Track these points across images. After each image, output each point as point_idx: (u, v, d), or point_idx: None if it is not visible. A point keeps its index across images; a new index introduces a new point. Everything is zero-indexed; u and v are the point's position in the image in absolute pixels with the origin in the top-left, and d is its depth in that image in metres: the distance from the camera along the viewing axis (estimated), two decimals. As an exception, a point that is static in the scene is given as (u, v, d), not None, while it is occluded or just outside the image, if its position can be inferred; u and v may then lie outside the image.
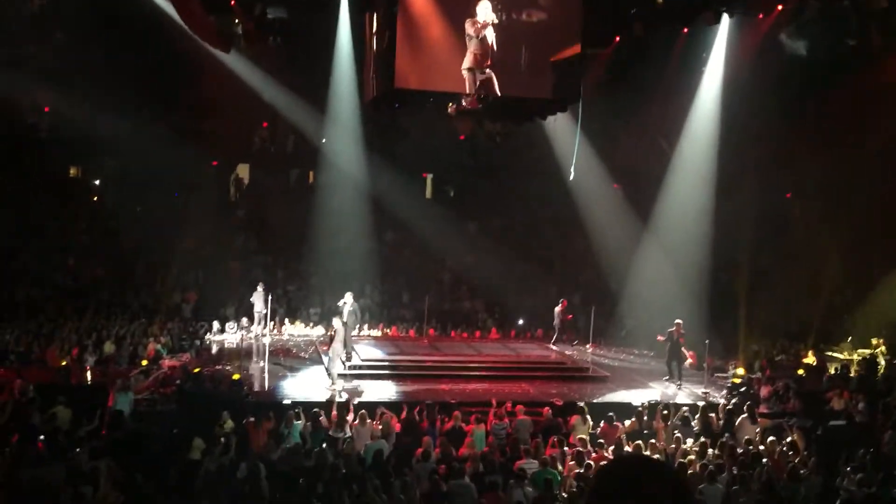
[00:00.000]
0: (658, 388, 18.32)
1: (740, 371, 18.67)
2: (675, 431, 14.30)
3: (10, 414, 13.31)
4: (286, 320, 23.06)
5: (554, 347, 21.91)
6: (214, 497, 10.91)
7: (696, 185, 25.62)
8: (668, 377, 18.59)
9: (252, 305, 21.57)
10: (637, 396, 17.28)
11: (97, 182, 28.06)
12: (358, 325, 20.31)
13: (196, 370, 16.52)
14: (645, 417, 14.90)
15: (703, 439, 13.83)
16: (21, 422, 13.01)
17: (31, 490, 8.90)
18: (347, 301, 18.44)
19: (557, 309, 22.46)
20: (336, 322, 17.45)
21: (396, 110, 19.38)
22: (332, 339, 17.22)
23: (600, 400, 16.95)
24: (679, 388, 18.11)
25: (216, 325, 21.97)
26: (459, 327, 24.05)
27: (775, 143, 24.61)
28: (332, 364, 17.03)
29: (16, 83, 23.36)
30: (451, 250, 27.20)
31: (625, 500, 1.79)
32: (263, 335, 20.49)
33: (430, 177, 30.38)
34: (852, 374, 19.30)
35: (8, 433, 12.44)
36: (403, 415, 14.39)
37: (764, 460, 12.79)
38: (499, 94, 16.38)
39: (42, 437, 12.33)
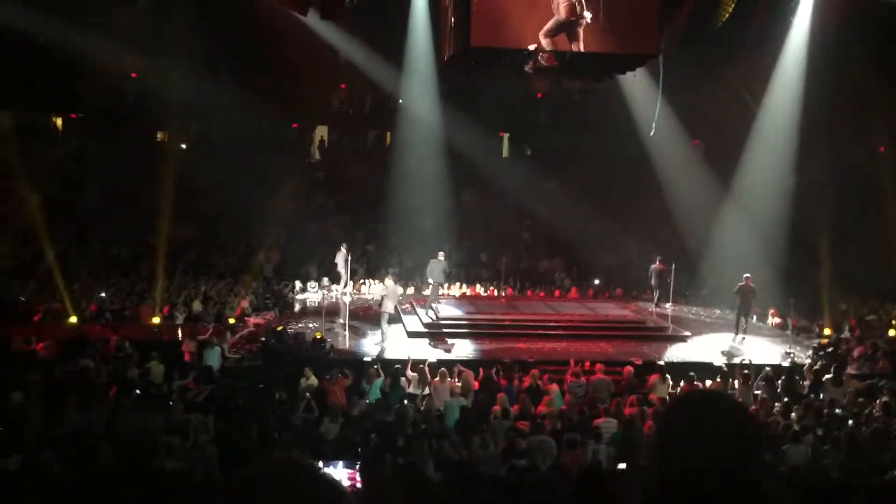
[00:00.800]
0: (732, 346, 18.07)
1: (827, 331, 18.15)
2: (758, 391, 14.07)
3: (108, 369, 13.95)
4: (366, 279, 23.40)
5: (658, 308, 21.55)
6: (300, 450, 11.27)
7: (781, 139, 24.81)
8: (735, 331, 18.51)
9: (335, 265, 21.98)
10: (718, 356, 17.05)
11: (183, 146, 28.79)
12: (447, 283, 20.52)
13: (279, 328, 16.99)
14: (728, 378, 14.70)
15: (786, 400, 13.56)
16: (118, 376, 13.66)
17: (131, 436, 9.37)
18: (440, 258, 18.90)
19: (654, 267, 22.02)
20: (388, 281, 17.78)
21: (473, 68, 19.24)
22: (383, 298, 17.34)
23: (680, 359, 16.78)
24: (742, 341, 18.09)
25: (298, 284, 22.48)
26: (537, 286, 24.01)
27: (867, 93, 23.52)
28: (383, 321, 17.25)
29: (103, 49, 24.07)
30: (529, 209, 27.11)
31: (690, 428, 1.81)
32: (344, 294, 20.88)
33: (506, 136, 30.17)
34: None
35: (106, 387, 13.09)
36: (481, 373, 14.55)
37: (850, 421, 12.48)
38: (577, 49, 16.11)
39: (138, 391, 12.94)
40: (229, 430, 10.82)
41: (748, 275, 18.88)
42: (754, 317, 19.34)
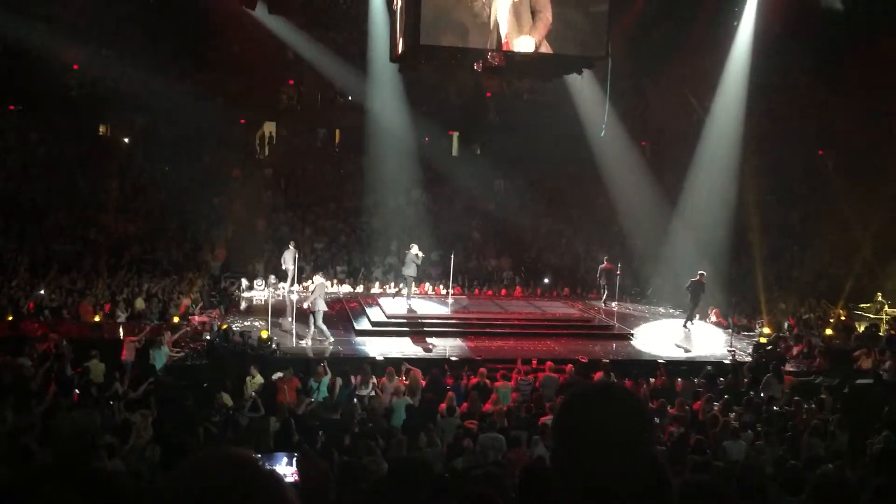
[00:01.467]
0: (682, 346, 18.39)
1: (766, 330, 18.58)
2: (699, 388, 14.34)
3: (46, 368, 13.61)
4: (313, 278, 23.19)
5: (605, 306, 21.82)
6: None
7: (726, 141, 25.32)
8: (686, 320, 19.46)
9: (282, 263, 21.76)
10: (662, 354, 17.35)
11: (126, 140, 28.25)
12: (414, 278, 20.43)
13: (223, 326, 16.78)
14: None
15: (727, 397, 13.85)
16: (56, 375, 13.34)
17: (67, 434, 9.16)
18: (413, 251, 19.19)
19: (602, 266, 22.29)
20: (317, 278, 17.66)
21: (422, 67, 19.23)
22: (314, 296, 17.02)
23: (625, 357, 17.02)
24: (688, 329, 19.06)
25: (244, 281, 22.23)
26: (485, 285, 24.11)
27: (807, 98, 24.13)
28: (318, 319, 16.92)
29: (45, 41, 23.48)
30: (478, 208, 27.23)
31: (579, 426, 1.84)
32: (291, 292, 20.71)
33: (456, 134, 30.24)
34: (881, 334, 19.15)
35: (44, 386, 12.79)
36: (430, 371, 14.55)
37: (786, 418, 12.80)
38: (526, 50, 16.23)
39: (77, 390, 12.67)
40: (172, 430, 10.65)
41: (702, 272, 19.66)
42: (696, 316, 19.87)
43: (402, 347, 16.98)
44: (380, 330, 18.12)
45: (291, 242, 21.49)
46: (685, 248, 24.33)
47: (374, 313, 19.32)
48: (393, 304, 20.45)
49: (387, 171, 27.52)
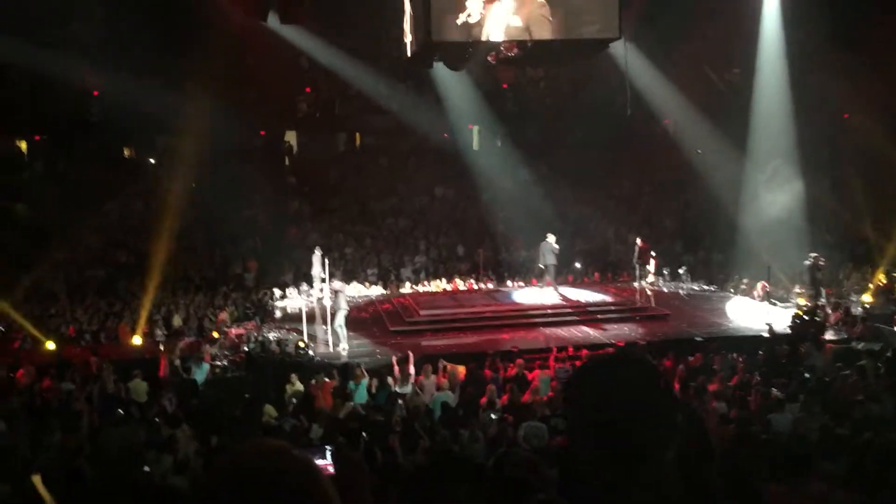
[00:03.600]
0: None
1: (801, 301, 18.36)
2: (739, 363, 14.22)
3: (89, 390, 13.84)
4: (332, 283, 23.25)
5: (642, 285, 21.52)
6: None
7: (751, 112, 25.13)
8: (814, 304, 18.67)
9: (310, 270, 21.83)
10: (698, 332, 17.23)
11: (151, 160, 28.60)
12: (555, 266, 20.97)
13: (259, 337, 16.93)
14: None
15: (766, 369, 13.72)
16: (100, 397, 13.56)
17: (114, 452, 9.32)
18: (549, 240, 20.19)
19: (638, 247, 21.86)
20: (337, 283, 17.64)
21: (436, 63, 19.27)
22: (337, 298, 17.08)
23: (662, 337, 16.92)
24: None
25: (277, 291, 22.40)
26: (516, 276, 24.06)
27: (833, 66, 23.72)
28: (336, 321, 16.95)
29: (65, 70, 23.85)
30: (504, 200, 27.19)
31: (597, 384, 1.84)
32: (321, 298, 20.83)
33: (476, 128, 30.21)
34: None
35: (89, 408, 13.00)
36: (467, 367, 14.58)
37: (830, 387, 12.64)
38: (538, 38, 16.19)
39: (120, 410, 12.86)
40: (217, 443, 10.78)
41: (816, 254, 19.53)
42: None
43: (437, 344, 17.02)
44: (414, 329, 18.16)
45: (317, 248, 21.48)
46: (715, 224, 24.15)
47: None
48: (541, 293, 20.89)
49: (409, 170, 27.62)
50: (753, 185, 24.18)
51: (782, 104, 23.99)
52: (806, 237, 22.16)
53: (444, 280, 23.69)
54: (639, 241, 21.64)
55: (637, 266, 21.58)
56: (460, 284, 23.36)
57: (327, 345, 17.19)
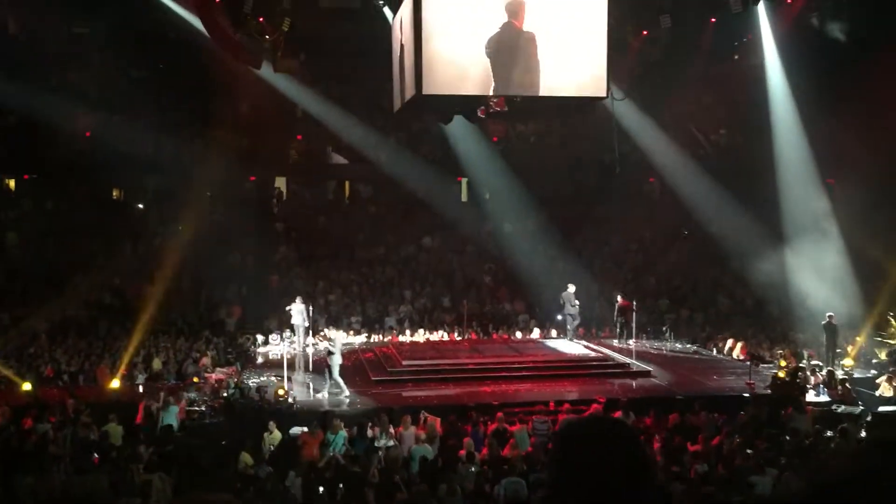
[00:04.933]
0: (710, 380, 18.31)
1: (783, 363, 18.42)
2: (720, 423, 14.20)
3: (65, 433, 13.66)
4: (326, 330, 23.16)
5: (621, 344, 21.65)
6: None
7: (736, 172, 25.48)
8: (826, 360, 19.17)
9: (289, 318, 21.52)
10: (680, 390, 17.22)
11: (140, 203, 28.64)
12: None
13: (239, 384, 16.78)
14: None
15: (747, 431, 13.71)
16: (76, 440, 13.38)
17: (76, 499, 9.19)
18: (570, 291, 21.58)
19: (618, 304, 22.06)
20: (333, 333, 17.55)
21: (427, 116, 19.54)
22: (329, 351, 17.06)
23: (643, 395, 16.89)
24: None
25: (260, 337, 22.27)
26: (500, 329, 24.04)
27: (813, 128, 24.17)
28: (334, 373, 16.86)
29: (57, 110, 24.01)
30: (490, 253, 27.31)
31: (580, 459, 1.87)
32: (305, 346, 20.71)
33: (464, 180, 30.48)
34: (903, 359, 18.96)
35: (64, 451, 12.82)
36: (448, 419, 14.49)
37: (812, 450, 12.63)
38: (527, 94, 16.47)
39: (96, 454, 12.69)
40: (191, 489, 10.63)
41: (831, 313, 19.57)
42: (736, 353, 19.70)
43: (418, 395, 16.92)
44: (395, 379, 18.06)
45: (298, 297, 21.23)
46: (700, 282, 24.31)
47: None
48: (567, 344, 21.59)
49: (397, 220, 27.76)
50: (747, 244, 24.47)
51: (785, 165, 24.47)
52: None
53: (427, 331, 23.59)
54: (619, 298, 21.88)
55: (618, 323, 21.77)
56: (444, 335, 23.26)
57: (315, 393, 17.02)
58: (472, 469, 12.03)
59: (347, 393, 16.73)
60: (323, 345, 17.96)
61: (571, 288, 21.74)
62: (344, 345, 22.14)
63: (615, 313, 22.19)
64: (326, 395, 16.64)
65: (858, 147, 23.30)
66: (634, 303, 21.39)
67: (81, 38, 25.90)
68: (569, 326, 22.25)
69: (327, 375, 16.84)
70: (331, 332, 17.70)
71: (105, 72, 25.38)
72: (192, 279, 24.88)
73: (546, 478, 1.95)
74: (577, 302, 21.87)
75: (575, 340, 21.93)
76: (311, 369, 18.30)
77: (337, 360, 16.81)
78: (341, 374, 16.90)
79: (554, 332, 23.25)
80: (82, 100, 25.34)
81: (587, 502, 1.83)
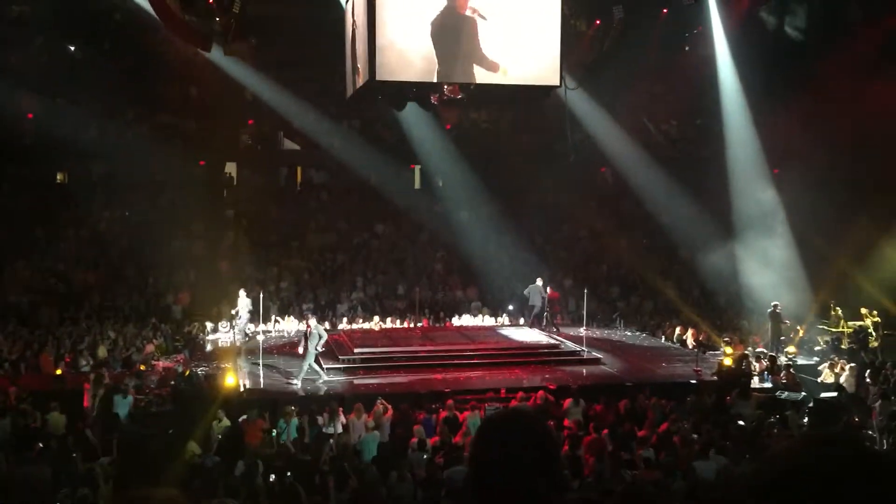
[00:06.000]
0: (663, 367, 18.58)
1: (728, 350, 18.77)
2: (667, 410, 14.41)
3: (5, 421, 13.32)
4: (276, 317, 22.93)
5: (548, 333, 21.89)
6: (212, 495, 10.96)
7: (686, 162, 25.82)
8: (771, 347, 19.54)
9: (235, 310, 20.94)
10: (630, 377, 17.45)
11: (84, 187, 27.99)
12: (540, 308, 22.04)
13: (187, 372, 16.53)
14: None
15: (693, 417, 13.95)
16: (17, 429, 13.06)
17: (20, 490, 8.97)
18: (538, 284, 21.57)
19: (548, 296, 22.38)
20: (313, 322, 17.43)
21: (380, 102, 19.39)
22: (306, 338, 16.99)
23: (593, 382, 17.06)
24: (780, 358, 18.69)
25: (209, 324, 21.96)
26: (452, 316, 24.07)
27: (762, 119, 24.58)
28: (309, 360, 16.77)
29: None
30: (442, 240, 27.31)
31: (493, 448, 2.00)
32: (248, 335, 20.48)
33: (418, 167, 30.40)
34: (843, 347, 19.44)
35: (5, 441, 12.51)
36: (399, 406, 14.47)
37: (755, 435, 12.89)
38: (481, 82, 16.44)
39: (40, 444, 12.40)
40: (135, 478, 10.44)
41: (776, 302, 19.94)
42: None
43: (372, 383, 16.87)
44: (347, 367, 17.97)
45: (242, 289, 20.76)
46: (647, 271, 24.62)
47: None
48: (518, 332, 21.84)
49: (350, 207, 27.59)
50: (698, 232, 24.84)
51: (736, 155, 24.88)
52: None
53: (378, 318, 23.50)
54: (548, 290, 22.16)
55: (547, 314, 21.99)
56: (396, 323, 23.22)
57: (259, 379, 16.87)
58: (424, 456, 12.03)
59: (325, 377, 16.66)
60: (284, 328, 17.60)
61: (539, 281, 21.86)
62: (297, 332, 22.09)
63: (543, 304, 22.37)
64: (299, 384, 16.46)
65: (804, 138, 23.73)
66: (585, 290, 21.59)
67: (23, 18, 25.13)
68: (527, 316, 22.43)
69: (303, 363, 16.68)
70: (311, 321, 17.44)
71: (48, 53, 24.70)
72: (139, 265, 24.43)
73: (467, 463, 2.07)
74: (544, 295, 21.96)
75: (533, 329, 21.99)
76: (261, 356, 18.09)
77: (313, 348, 16.67)
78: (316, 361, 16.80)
79: (520, 321, 23.45)
80: (24, 81, 24.61)
81: (497, 488, 1.94)
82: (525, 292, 22.29)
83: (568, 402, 14.72)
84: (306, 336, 16.96)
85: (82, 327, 20.48)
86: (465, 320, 23.72)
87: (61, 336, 19.45)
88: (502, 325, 23.28)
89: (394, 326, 22.98)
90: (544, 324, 22.17)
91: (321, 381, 16.61)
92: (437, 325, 23.47)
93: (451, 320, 23.78)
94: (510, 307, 23.92)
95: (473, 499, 1.96)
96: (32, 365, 17.80)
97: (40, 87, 25.00)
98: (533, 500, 1.92)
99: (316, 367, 16.74)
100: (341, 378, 17.18)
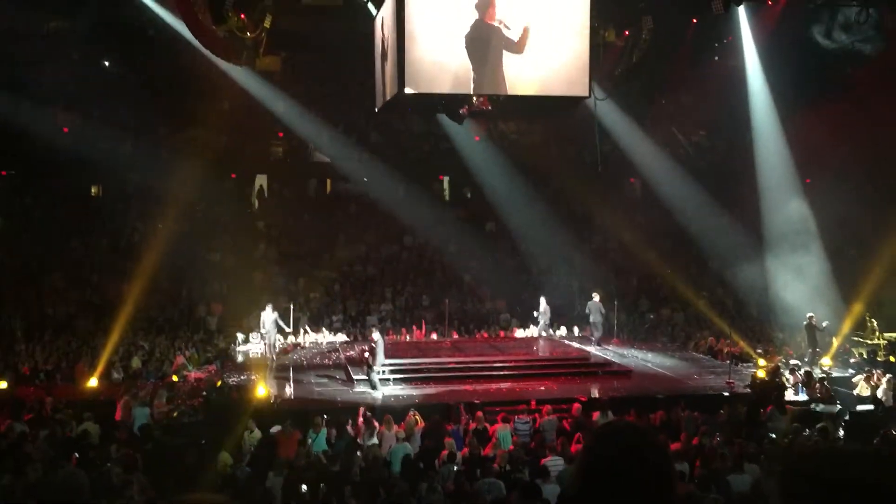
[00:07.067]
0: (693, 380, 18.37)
1: (762, 361, 18.54)
2: (700, 423, 14.26)
3: (42, 432, 13.50)
4: (307, 328, 23.04)
5: (598, 345, 21.75)
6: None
7: (716, 173, 25.59)
8: (807, 359, 19.29)
9: (260, 326, 20.69)
10: (660, 389, 17.30)
11: (118, 199, 28.41)
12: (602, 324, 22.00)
13: (219, 383, 16.67)
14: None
15: (727, 430, 13.78)
16: (53, 438, 13.23)
17: (59, 496, 9.08)
18: (595, 299, 21.39)
19: (591, 303, 22.10)
20: (375, 334, 17.52)
21: (409, 115, 19.48)
22: (373, 350, 17.10)
23: (624, 394, 16.94)
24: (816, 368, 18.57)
25: (240, 336, 22.13)
26: (482, 328, 24.04)
27: (792, 129, 24.35)
28: (372, 374, 17.00)
29: (35, 106, 23.73)
30: (471, 251, 27.30)
31: (616, 461, 1.93)
32: (282, 348, 20.58)
33: (446, 179, 30.46)
34: (880, 359, 19.15)
35: (41, 450, 12.66)
36: (429, 417, 14.46)
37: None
38: (510, 93, 16.45)
39: (76, 454, 12.54)
40: (171, 490, 10.53)
41: (811, 314, 19.65)
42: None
43: (400, 394, 16.89)
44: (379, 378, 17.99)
45: (269, 305, 20.57)
46: (680, 283, 24.43)
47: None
48: (548, 343, 21.92)
49: (378, 218, 27.70)
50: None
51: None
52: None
53: (405, 330, 23.51)
54: (543, 300, 21.94)
55: (593, 323, 21.77)
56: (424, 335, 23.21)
57: (287, 390, 16.96)
58: (454, 468, 12.01)
59: (382, 393, 16.82)
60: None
61: (596, 297, 21.60)
62: (328, 343, 22.24)
63: (590, 313, 22.17)
64: (378, 393, 16.73)
65: (836, 148, 23.48)
66: (616, 302, 21.48)
67: (59, 34, 25.59)
68: (596, 334, 22.00)
69: (367, 372, 16.91)
70: (374, 334, 17.61)
71: (83, 68, 25.10)
72: (172, 277, 24.71)
73: (574, 481, 1.99)
74: (604, 310, 21.68)
75: (600, 347, 21.66)
76: (291, 367, 18.21)
77: (380, 360, 16.85)
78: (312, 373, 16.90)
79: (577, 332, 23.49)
80: (59, 96, 25.05)
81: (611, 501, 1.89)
82: (586, 310, 22.14)
83: (597, 415, 14.63)
84: (372, 348, 17.11)
85: (116, 338, 20.73)
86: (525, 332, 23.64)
87: (96, 347, 19.70)
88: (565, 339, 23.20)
89: (422, 339, 22.96)
90: (595, 335, 22.00)
91: (378, 393, 16.74)
92: (467, 336, 23.44)
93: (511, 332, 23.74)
94: (535, 314, 23.81)
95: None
96: (67, 375, 18.05)
97: (75, 102, 25.42)
98: None
99: (376, 380, 16.88)
100: (370, 390, 17.24)
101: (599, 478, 1.92)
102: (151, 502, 9.93)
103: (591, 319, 21.91)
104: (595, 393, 16.84)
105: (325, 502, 10.89)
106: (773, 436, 13.61)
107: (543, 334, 22.55)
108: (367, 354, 17.41)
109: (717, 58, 24.76)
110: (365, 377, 17.50)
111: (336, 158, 28.75)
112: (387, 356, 19.07)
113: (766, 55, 23.22)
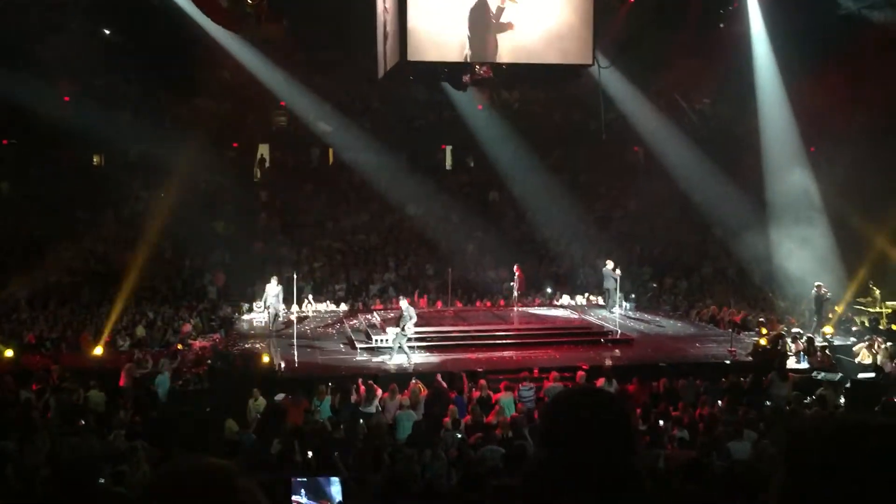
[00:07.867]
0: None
1: (764, 330, 18.58)
2: (702, 390, 14.34)
3: (47, 399, 13.63)
4: (310, 297, 23.06)
5: (611, 312, 21.60)
6: (250, 473, 11.11)
7: (720, 141, 25.45)
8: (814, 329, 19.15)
9: (263, 299, 21.00)
10: (663, 357, 17.38)
11: (121, 169, 28.36)
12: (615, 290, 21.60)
13: (224, 350, 16.77)
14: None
15: (728, 397, 13.87)
16: (60, 407, 13.35)
17: (71, 461, 9.19)
18: (609, 266, 21.13)
19: (606, 270, 21.84)
20: (403, 303, 17.54)
21: (411, 83, 19.37)
22: (403, 320, 17.05)
23: (626, 363, 17.03)
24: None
25: (244, 304, 22.22)
26: (485, 297, 24.07)
27: (797, 96, 24.14)
28: (400, 341, 17.02)
29: (35, 75, 23.61)
30: (474, 221, 27.26)
31: (574, 422, 1.91)
32: (286, 317, 20.60)
33: (449, 148, 30.34)
34: (882, 327, 19.18)
35: (47, 417, 12.80)
36: (432, 385, 14.56)
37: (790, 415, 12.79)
38: (513, 61, 16.36)
39: (82, 420, 12.67)
40: (174, 456, 10.63)
41: (819, 283, 19.56)
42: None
43: (404, 362, 16.97)
44: (382, 347, 18.09)
45: (274, 278, 20.50)
46: (684, 249, 24.38)
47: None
48: (551, 312, 22.06)
49: (381, 187, 27.65)
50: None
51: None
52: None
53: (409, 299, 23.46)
54: (516, 268, 21.82)
55: (513, 291, 21.57)
56: (427, 304, 23.22)
57: (291, 359, 17.05)
58: (458, 435, 12.11)
59: (413, 360, 16.87)
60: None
61: (609, 263, 21.36)
62: (328, 313, 22.29)
63: (605, 280, 22.09)
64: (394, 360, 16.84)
65: (842, 115, 23.30)
66: (619, 271, 21.45)
67: (59, 2, 25.38)
68: (610, 299, 21.72)
69: (397, 339, 16.99)
70: (402, 303, 17.60)
71: (84, 37, 24.92)
72: (175, 246, 24.74)
73: (535, 448, 1.99)
74: (617, 277, 21.17)
75: (617, 310, 21.29)
76: (295, 335, 18.27)
77: (409, 332, 16.91)
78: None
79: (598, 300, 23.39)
80: (60, 65, 24.89)
81: (573, 471, 1.87)
82: (603, 276, 21.92)
83: (601, 382, 14.70)
84: (399, 317, 17.11)
85: (120, 307, 20.81)
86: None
87: (101, 316, 19.79)
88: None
89: (426, 307, 22.99)
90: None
91: (408, 362, 16.78)
92: (469, 305, 23.48)
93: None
94: (548, 290, 23.78)
95: (546, 475, 1.90)
96: (72, 344, 18.16)
97: (76, 70, 25.27)
98: (611, 477, 1.86)
99: (406, 348, 16.90)
100: (373, 357, 17.34)
101: (558, 443, 1.92)
102: (156, 467, 10.01)
103: (605, 286, 21.82)
104: (597, 361, 16.91)
105: (331, 467, 10.99)
106: (769, 403, 13.67)
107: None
108: (391, 322, 17.28)
109: (722, 24, 24.52)
110: (371, 345, 17.59)
111: (338, 127, 28.61)
112: (390, 325, 19.19)
113: (771, 21, 22.97)
